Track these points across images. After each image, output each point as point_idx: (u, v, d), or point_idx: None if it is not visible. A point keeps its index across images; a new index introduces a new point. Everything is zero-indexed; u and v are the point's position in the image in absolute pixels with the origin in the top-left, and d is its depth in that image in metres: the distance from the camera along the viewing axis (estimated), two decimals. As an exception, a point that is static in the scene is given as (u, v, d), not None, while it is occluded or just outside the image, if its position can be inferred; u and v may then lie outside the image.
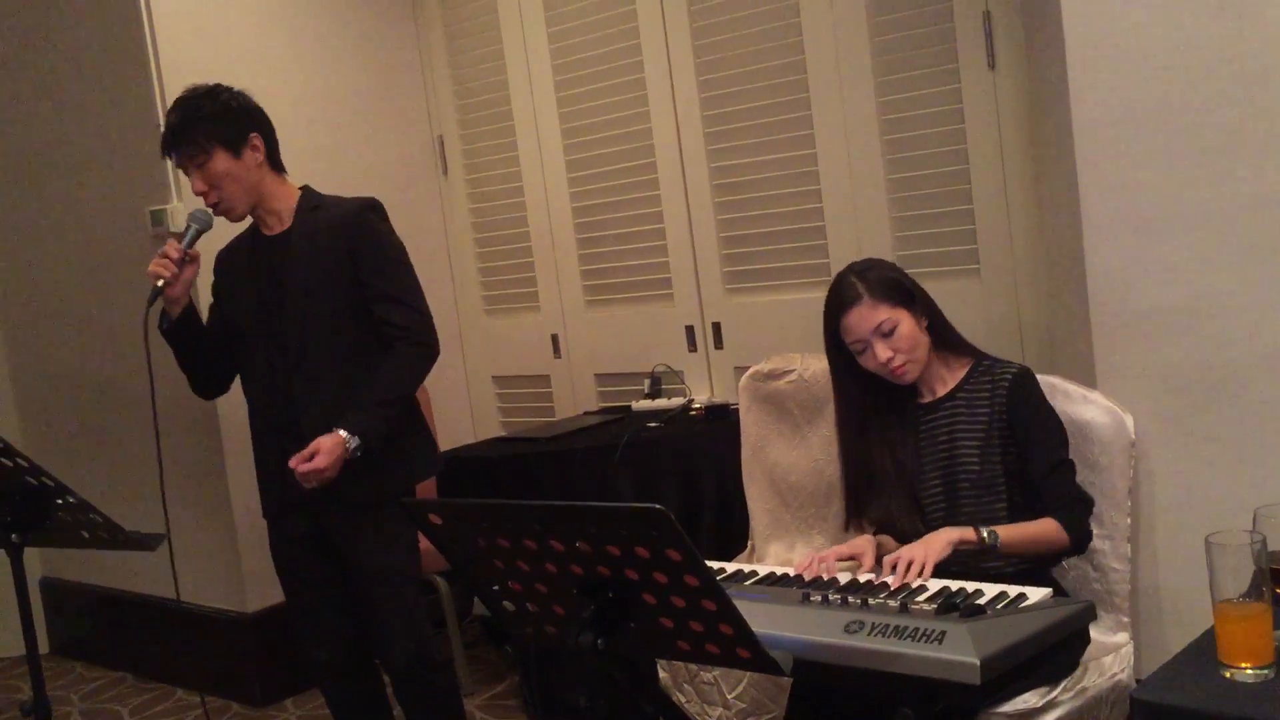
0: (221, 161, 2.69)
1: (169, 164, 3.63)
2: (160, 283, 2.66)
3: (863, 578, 2.14)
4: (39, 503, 2.49)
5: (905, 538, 2.25)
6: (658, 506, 1.55)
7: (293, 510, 2.80)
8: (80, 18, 3.93)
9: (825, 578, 2.16)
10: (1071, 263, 2.65)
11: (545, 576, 1.78)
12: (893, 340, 2.28)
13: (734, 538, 3.09)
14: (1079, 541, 2.26)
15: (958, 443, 2.32)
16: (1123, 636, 2.44)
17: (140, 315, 2.68)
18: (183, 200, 3.70)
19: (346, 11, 4.18)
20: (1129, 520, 2.46)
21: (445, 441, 3.04)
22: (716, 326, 3.76)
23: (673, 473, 3.26)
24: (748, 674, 2.60)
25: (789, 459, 3.00)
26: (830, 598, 1.95)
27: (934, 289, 2.43)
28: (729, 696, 2.65)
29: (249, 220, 2.85)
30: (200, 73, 2.87)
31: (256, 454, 2.89)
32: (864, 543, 2.31)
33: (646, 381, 3.87)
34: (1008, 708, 2.11)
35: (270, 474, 2.82)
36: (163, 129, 2.75)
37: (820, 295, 2.40)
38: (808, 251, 3.51)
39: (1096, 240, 2.53)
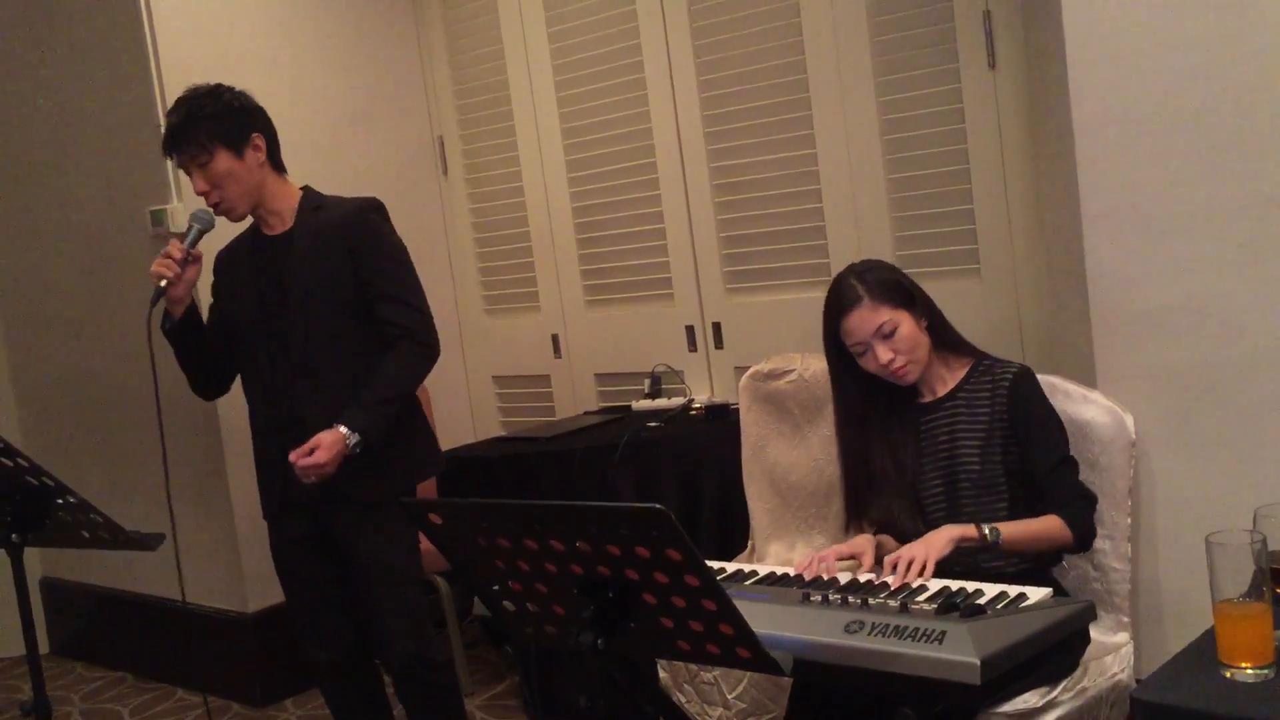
0: (224, 161, 2.69)
1: (169, 164, 3.63)
2: (163, 283, 2.67)
3: (863, 578, 2.14)
4: (39, 503, 2.49)
5: (906, 538, 2.24)
6: (658, 506, 1.55)
7: (294, 510, 2.81)
8: (80, 18, 3.93)
9: (825, 577, 2.16)
10: (1071, 263, 2.65)
11: (545, 576, 1.78)
12: (894, 342, 2.28)
13: (734, 537, 3.09)
14: (1083, 537, 2.25)
15: (958, 442, 2.32)
16: (1123, 636, 2.44)
17: (143, 316, 2.68)
18: (183, 200, 3.70)
19: (346, 11, 4.18)
20: (1129, 520, 2.46)
21: (445, 441, 3.04)
22: (717, 326, 3.76)
23: (673, 473, 3.26)
24: (748, 674, 2.60)
25: (789, 459, 3.00)
26: (830, 598, 1.95)
27: (934, 289, 2.43)
28: (729, 696, 2.65)
29: (248, 220, 2.85)
30: (200, 73, 2.87)
31: (257, 454, 2.89)
32: (864, 542, 2.31)
33: (647, 381, 3.87)
34: (1008, 708, 2.11)
35: (272, 474, 2.82)
36: (164, 129, 2.75)
37: (820, 295, 2.40)
38: (808, 251, 3.51)
39: (1096, 240, 2.53)
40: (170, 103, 2.81)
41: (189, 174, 2.73)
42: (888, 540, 2.36)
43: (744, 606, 1.64)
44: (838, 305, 2.33)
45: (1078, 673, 2.22)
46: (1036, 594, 1.91)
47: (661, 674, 2.76)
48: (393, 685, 2.90)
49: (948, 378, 2.39)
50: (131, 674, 4.38)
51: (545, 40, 4.01)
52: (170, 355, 2.83)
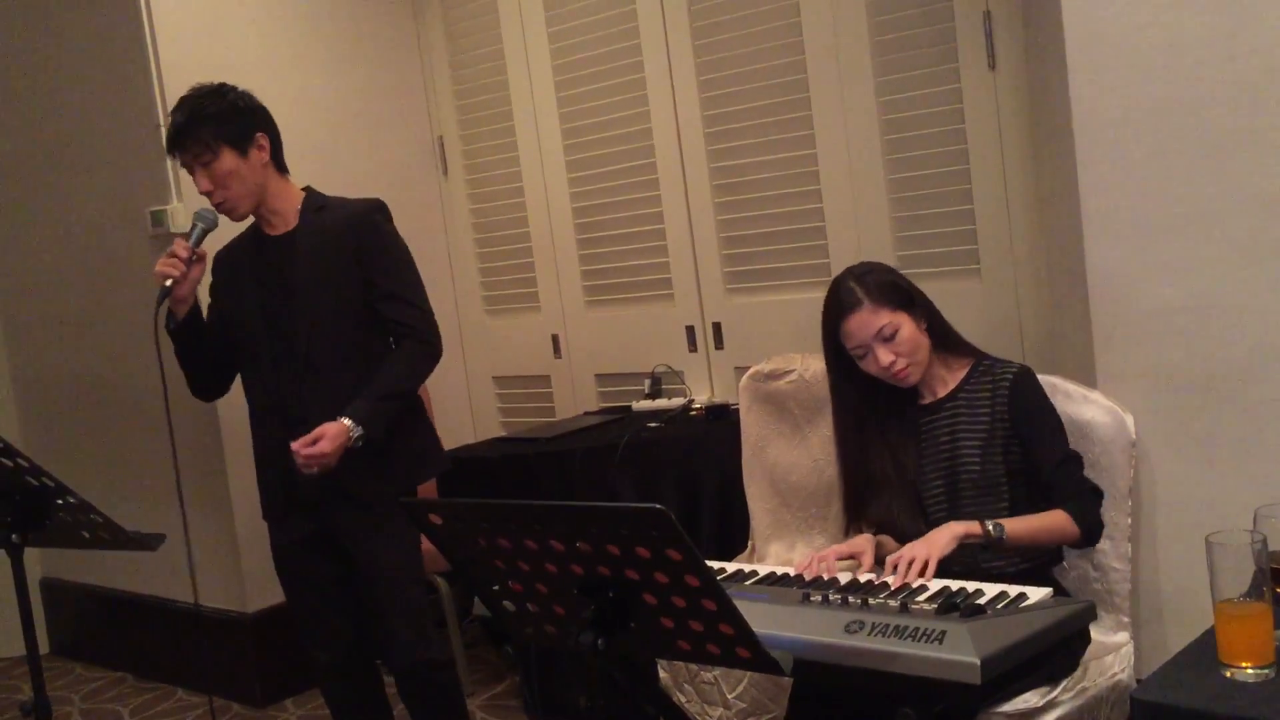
0: (228, 161, 2.69)
1: (169, 164, 3.65)
2: (169, 282, 2.67)
3: (863, 578, 2.14)
4: (39, 503, 2.49)
5: (906, 539, 2.24)
6: (658, 506, 1.55)
7: (297, 510, 2.81)
8: (80, 18, 3.93)
9: (825, 577, 2.16)
10: (1071, 263, 2.65)
11: (545, 576, 1.78)
12: (894, 344, 2.28)
13: (734, 538, 3.09)
14: (1090, 531, 2.24)
15: (959, 443, 2.32)
16: (1123, 636, 2.44)
17: (148, 316, 2.69)
18: (183, 201, 3.70)
19: (346, 12, 4.18)
20: (1129, 520, 2.46)
21: (445, 442, 3.04)
22: (717, 326, 3.76)
23: (673, 473, 3.26)
24: (748, 674, 2.60)
25: (789, 459, 3.00)
26: (830, 598, 1.95)
27: (934, 289, 2.43)
28: (729, 696, 2.65)
29: (247, 221, 2.85)
30: (200, 73, 2.87)
31: (258, 454, 2.89)
32: (863, 542, 2.31)
33: (647, 382, 3.87)
34: (1008, 708, 2.11)
35: (274, 474, 2.82)
36: (167, 127, 2.75)
37: (820, 295, 2.40)
38: (808, 251, 3.51)
39: (1096, 240, 2.53)
40: (170, 103, 2.81)
41: (192, 173, 2.73)
42: (887, 540, 2.36)
43: (744, 606, 1.64)
44: (837, 308, 2.32)
45: (1078, 673, 2.22)
46: (1037, 594, 1.91)
47: (661, 674, 2.76)
48: (396, 684, 2.90)
49: (948, 378, 2.39)
50: (131, 674, 4.38)
51: (545, 40, 4.01)
52: (171, 355, 2.83)
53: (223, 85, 2.75)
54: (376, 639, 2.86)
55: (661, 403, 3.76)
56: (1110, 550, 2.45)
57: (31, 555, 2.65)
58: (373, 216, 2.80)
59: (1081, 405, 2.48)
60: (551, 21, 3.99)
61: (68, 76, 4.04)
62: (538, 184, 4.13)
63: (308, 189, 2.86)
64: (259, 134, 2.74)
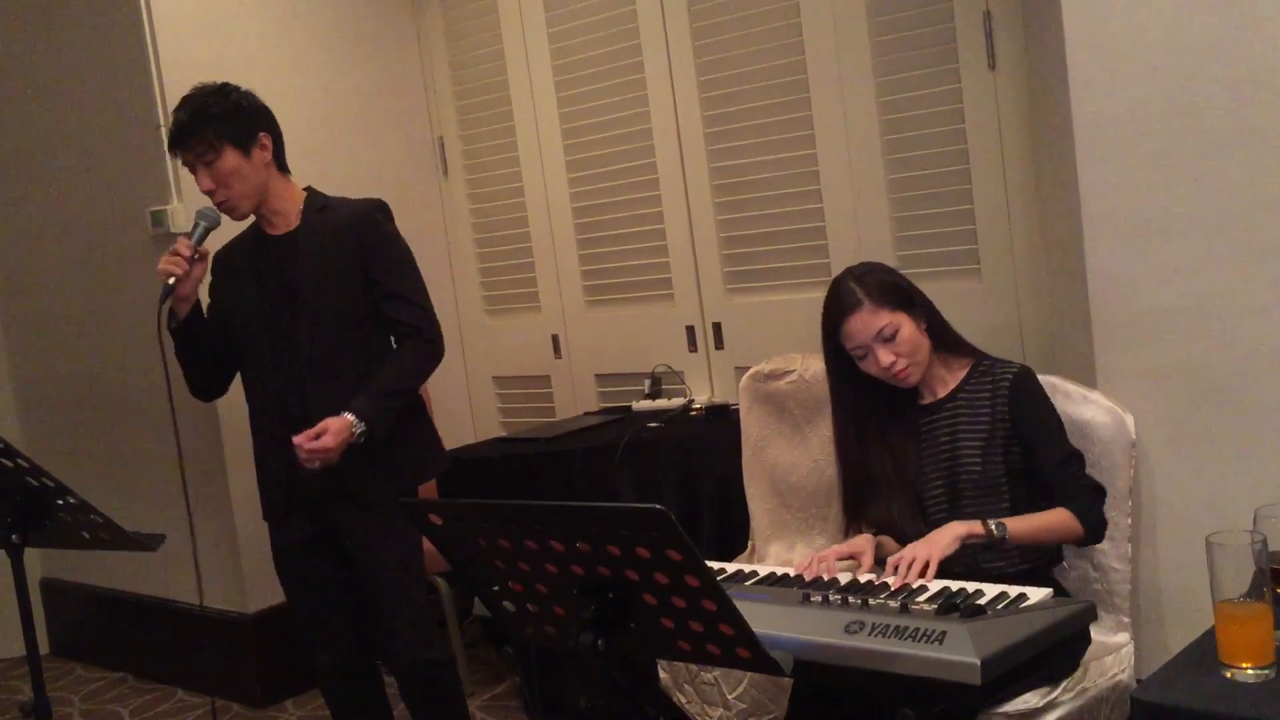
0: (231, 160, 2.69)
1: (169, 164, 3.66)
2: (172, 280, 2.67)
3: (863, 578, 2.14)
4: (39, 503, 2.49)
5: (906, 539, 2.24)
6: (658, 507, 1.55)
7: (298, 511, 2.81)
8: (80, 18, 3.93)
9: (825, 578, 2.15)
10: (1072, 263, 2.65)
11: (545, 577, 1.78)
12: (894, 344, 2.28)
13: (734, 538, 3.09)
14: (1093, 529, 2.24)
15: (959, 443, 2.32)
16: (1123, 637, 2.44)
17: (149, 316, 2.69)
18: (183, 201, 3.70)
19: (347, 12, 4.18)
20: (1129, 520, 2.46)
21: (446, 442, 3.05)
22: (717, 326, 3.76)
23: (673, 473, 3.26)
24: (748, 674, 2.60)
25: (789, 459, 3.00)
26: (830, 598, 1.95)
27: (934, 289, 2.43)
28: (730, 697, 2.65)
29: (246, 221, 2.85)
30: (200, 73, 2.87)
31: (259, 454, 2.89)
32: (863, 542, 2.31)
33: (647, 382, 3.87)
34: (1008, 708, 2.11)
35: (276, 474, 2.82)
36: (170, 126, 2.75)
37: (820, 295, 2.39)
38: (808, 251, 3.51)
39: (1096, 240, 2.53)
40: (170, 102, 2.81)
41: (194, 171, 2.73)
42: (887, 540, 2.36)
43: (744, 607, 1.64)
44: (837, 309, 2.32)
45: (1078, 673, 2.22)
46: (1037, 594, 1.91)
47: (662, 674, 2.76)
48: (398, 684, 2.90)
49: (948, 379, 2.38)
50: (132, 675, 4.38)
51: (545, 40, 4.01)
52: (174, 355, 2.83)
53: (226, 84, 2.75)
54: (378, 639, 2.86)
55: (661, 403, 3.76)
56: (1110, 550, 2.45)
57: (31, 555, 2.65)
58: (375, 216, 2.81)
59: (1081, 405, 2.48)
60: (551, 21, 3.99)
61: (68, 76, 4.04)
62: (538, 184, 4.13)
63: (309, 189, 2.86)
64: (262, 133, 2.74)
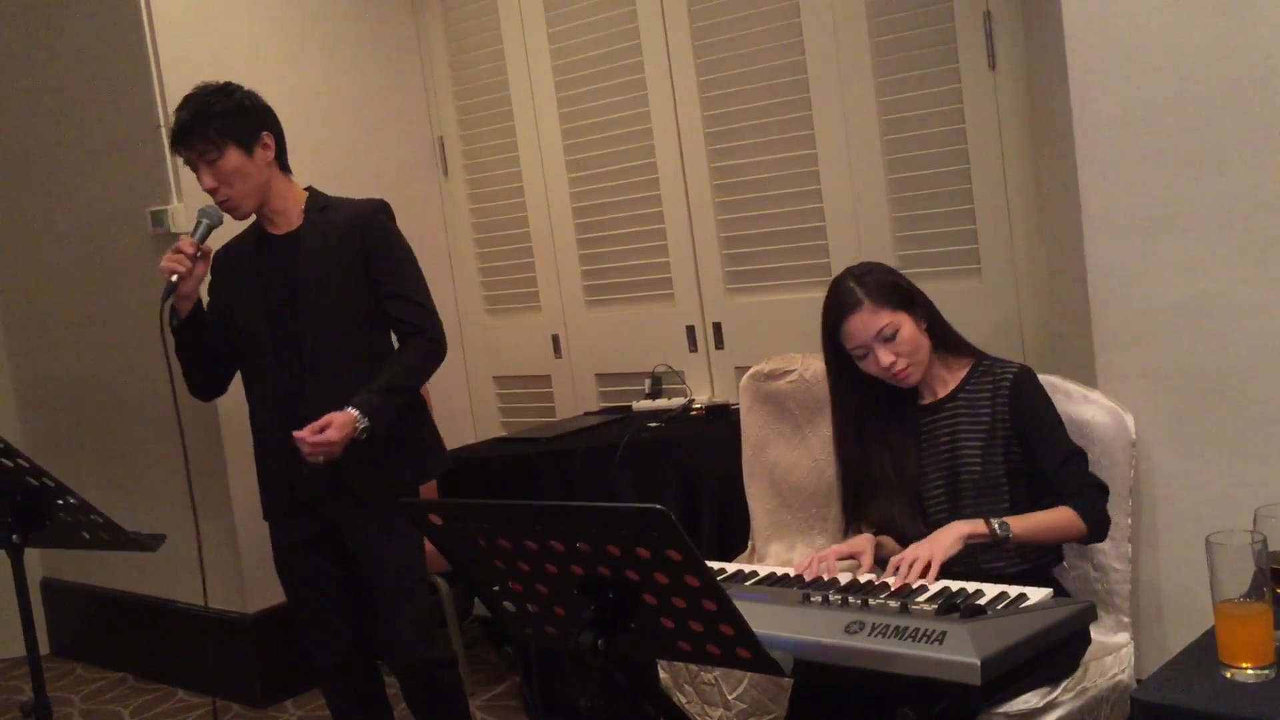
0: (234, 158, 2.69)
1: (169, 165, 3.66)
2: (175, 278, 2.67)
3: (863, 578, 2.14)
4: (40, 503, 2.49)
5: (906, 540, 2.24)
6: (658, 507, 1.55)
7: (299, 511, 2.81)
8: (80, 18, 3.93)
9: (825, 577, 2.15)
10: (1072, 263, 2.65)
11: (546, 577, 1.78)
12: (895, 344, 2.27)
13: (734, 538, 3.09)
14: (1097, 526, 2.23)
15: (960, 444, 2.32)
16: (1123, 637, 2.44)
17: (149, 316, 2.70)
18: (183, 201, 3.70)
19: (347, 12, 4.18)
20: (1129, 520, 2.46)
21: (446, 442, 3.05)
22: (717, 326, 3.76)
23: (673, 473, 3.26)
24: (748, 674, 2.60)
25: (790, 459, 3.00)
26: (830, 598, 1.95)
27: (934, 289, 2.43)
28: (730, 697, 2.65)
29: (247, 220, 2.86)
30: (200, 73, 2.86)
31: (260, 454, 2.89)
32: (863, 542, 2.31)
33: (647, 381, 3.87)
34: (1008, 708, 2.11)
35: (277, 474, 2.82)
36: (173, 124, 2.74)
37: (820, 295, 2.39)
38: (808, 251, 3.51)
39: (1096, 240, 2.53)
40: (170, 102, 2.81)
41: (196, 170, 2.73)
42: (887, 540, 2.36)
43: (744, 607, 1.64)
44: (837, 309, 2.32)
45: (1078, 673, 2.22)
46: (1037, 594, 1.91)
47: (662, 674, 2.76)
48: (400, 683, 2.90)
49: (948, 379, 2.38)
50: (132, 675, 4.38)
51: (545, 40, 4.01)
52: (172, 356, 2.83)
53: (229, 83, 2.75)
54: (380, 638, 2.86)
55: (662, 403, 3.76)
56: (1110, 550, 2.45)
57: (32, 555, 2.65)
58: (377, 217, 2.82)
59: (1081, 405, 2.48)
60: (551, 21, 3.99)
61: (68, 76, 4.04)
62: (538, 184, 4.13)
63: (310, 189, 2.87)
64: (265, 133, 2.74)
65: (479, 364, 4.47)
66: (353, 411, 2.66)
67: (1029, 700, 2.12)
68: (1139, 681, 2.17)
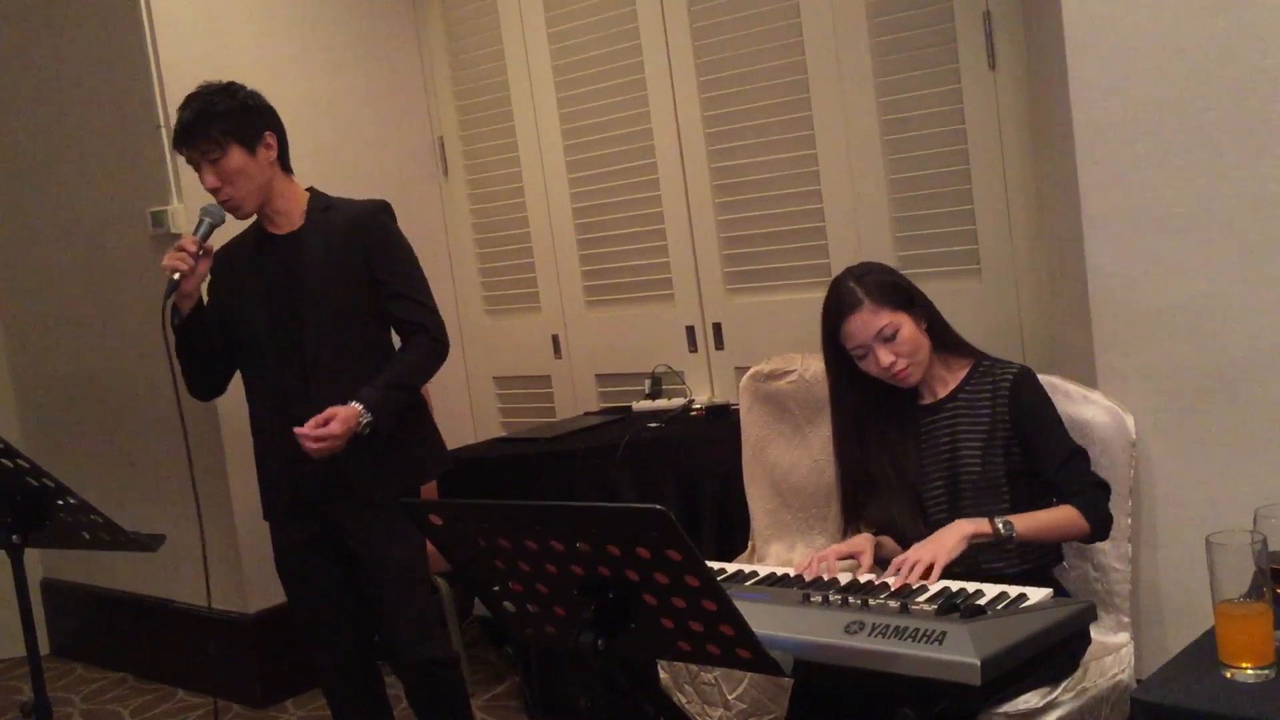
0: (236, 158, 2.69)
1: (170, 165, 3.66)
2: (177, 276, 2.67)
3: (863, 578, 2.14)
4: (40, 504, 2.49)
5: (906, 540, 2.24)
6: (658, 507, 1.55)
7: (301, 511, 2.81)
8: (80, 18, 3.93)
9: (825, 578, 2.15)
10: (1072, 263, 2.65)
11: (546, 577, 1.78)
12: (895, 344, 2.27)
13: (735, 538, 3.09)
14: (1099, 525, 2.23)
15: (960, 444, 2.32)
16: (1123, 637, 2.44)
17: (149, 316, 2.70)
18: (183, 201, 3.70)
19: (347, 12, 4.18)
20: (1129, 520, 2.46)
21: (446, 442, 3.05)
22: (717, 327, 3.76)
23: (673, 473, 3.26)
24: (748, 674, 2.60)
25: (790, 459, 3.00)
26: (830, 598, 1.95)
27: (934, 289, 2.43)
28: (730, 697, 2.65)
29: (248, 220, 2.86)
30: (201, 73, 2.87)
31: (261, 454, 2.89)
32: (863, 541, 2.31)
33: (647, 382, 3.87)
34: (1008, 708, 2.11)
35: (278, 474, 2.82)
36: (176, 123, 2.74)
37: (820, 295, 2.39)
38: (808, 251, 3.51)
39: (1097, 240, 2.53)
40: (171, 102, 2.81)
41: (198, 169, 2.73)
42: (887, 540, 2.36)
43: (744, 607, 1.64)
44: (837, 309, 2.31)
45: (1078, 673, 2.22)
46: (1037, 594, 1.91)
47: (662, 674, 2.76)
48: (402, 683, 2.90)
49: (948, 379, 2.38)
50: (132, 675, 4.38)
51: (545, 40, 4.01)
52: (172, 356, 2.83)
53: (232, 83, 2.76)
54: (382, 638, 2.86)
55: (662, 403, 3.76)
56: (1110, 550, 2.45)
57: (32, 556, 2.65)
58: (379, 217, 2.82)
59: (1081, 405, 2.48)
60: (551, 22, 3.99)
61: (68, 77, 4.04)
62: (538, 184, 4.13)
63: (312, 189, 2.87)
64: (268, 133, 2.75)
65: (479, 364, 4.47)
66: (356, 406, 2.66)
67: (1029, 700, 2.12)
68: (1139, 681, 2.17)
